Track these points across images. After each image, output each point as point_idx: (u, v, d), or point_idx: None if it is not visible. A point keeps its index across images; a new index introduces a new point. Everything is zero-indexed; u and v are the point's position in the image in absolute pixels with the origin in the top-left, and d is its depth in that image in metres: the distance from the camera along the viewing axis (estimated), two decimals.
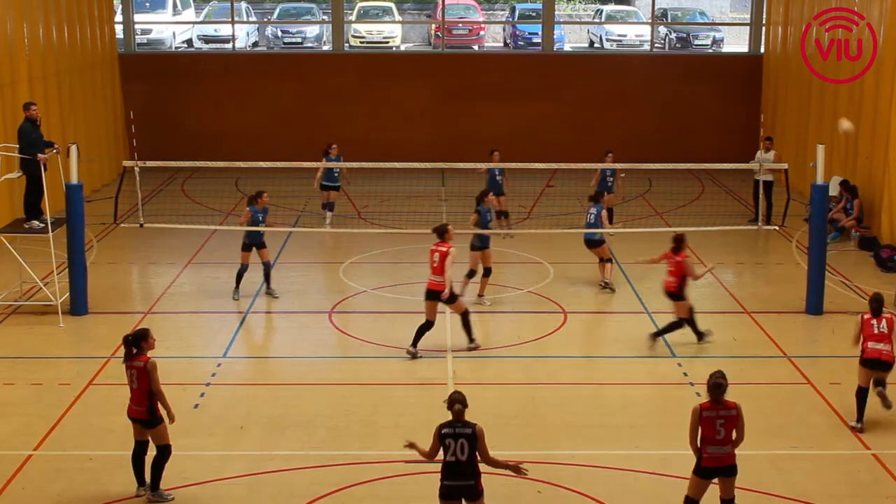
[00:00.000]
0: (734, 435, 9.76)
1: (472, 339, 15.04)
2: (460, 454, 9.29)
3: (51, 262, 16.76)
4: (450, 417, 9.40)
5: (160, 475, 10.76)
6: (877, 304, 12.49)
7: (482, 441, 9.33)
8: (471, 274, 17.17)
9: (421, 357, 14.72)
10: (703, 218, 22.20)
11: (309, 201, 23.82)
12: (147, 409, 10.65)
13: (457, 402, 9.44)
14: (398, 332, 15.85)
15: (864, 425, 12.50)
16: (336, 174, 21.34)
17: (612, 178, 21.15)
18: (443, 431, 9.36)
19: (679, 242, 15.11)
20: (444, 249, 14.58)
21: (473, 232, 17.09)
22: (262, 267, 17.38)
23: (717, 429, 9.63)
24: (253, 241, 17.27)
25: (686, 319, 15.04)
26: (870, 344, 12.31)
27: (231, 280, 18.26)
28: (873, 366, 12.33)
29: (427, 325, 14.73)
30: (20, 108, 17.25)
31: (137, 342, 10.75)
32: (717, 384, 9.72)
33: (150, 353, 10.82)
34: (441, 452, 9.40)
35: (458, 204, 22.92)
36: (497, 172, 20.75)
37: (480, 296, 17.22)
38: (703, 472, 9.77)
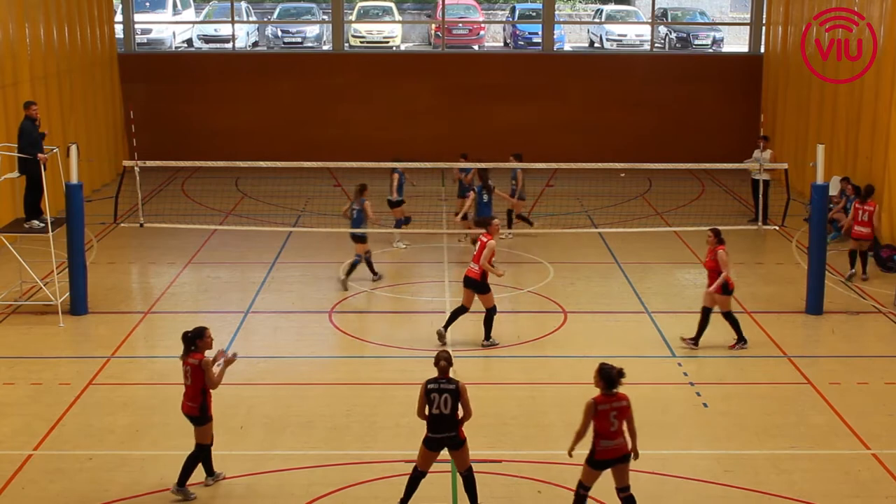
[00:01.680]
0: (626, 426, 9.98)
1: (488, 337, 15.18)
2: (444, 408, 10.18)
3: (51, 262, 16.77)
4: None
5: (191, 472, 10.84)
6: (866, 194, 18.59)
7: (465, 396, 10.25)
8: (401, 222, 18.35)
9: (450, 344, 14.81)
10: (703, 218, 22.19)
11: (309, 201, 23.84)
12: (199, 406, 10.80)
13: (442, 359, 10.29)
14: (398, 331, 15.85)
15: (854, 271, 18.38)
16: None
17: (514, 182, 20.76)
18: (429, 387, 10.23)
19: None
20: (485, 240, 14.97)
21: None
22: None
23: (610, 421, 9.77)
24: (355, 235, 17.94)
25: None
26: (854, 227, 18.39)
27: (232, 279, 18.34)
28: (856, 240, 18.39)
29: (461, 310, 15.14)
30: (22, 108, 17.25)
31: (194, 340, 10.84)
32: (618, 373, 9.88)
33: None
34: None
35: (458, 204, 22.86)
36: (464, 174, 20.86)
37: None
38: (597, 464, 9.95)
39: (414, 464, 10.54)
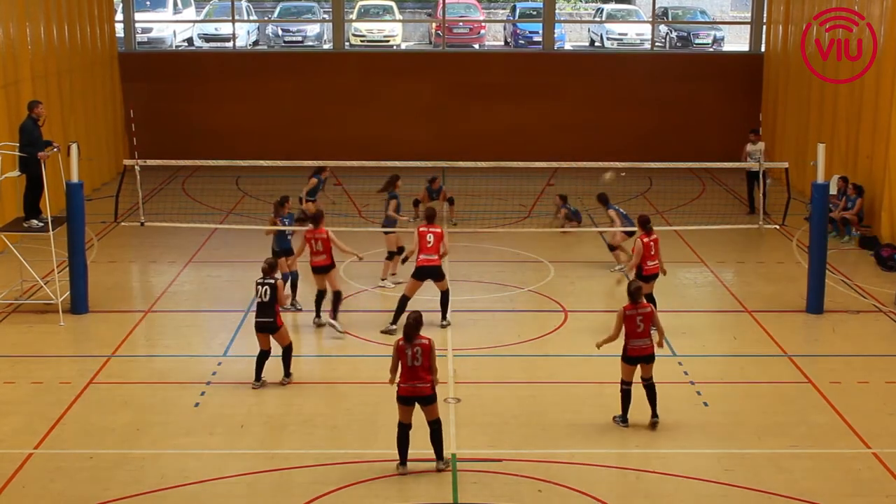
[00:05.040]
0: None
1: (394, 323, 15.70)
2: (265, 297, 13.44)
3: (51, 261, 16.77)
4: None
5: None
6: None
7: (281, 290, 13.54)
8: (394, 254, 18.01)
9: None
10: (704, 217, 22.21)
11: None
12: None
13: (266, 262, 13.63)
14: (399, 330, 15.83)
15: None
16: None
17: None
18: (257, 281, 13.49)
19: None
20: (439, 231, 15.53)
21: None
22: (290, 276, 17.01)
23: (410, 360, 11.19)
24: (283, 249, 16.93)
25: None
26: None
27: (232, 278, 18.31)
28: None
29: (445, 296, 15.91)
30: (23, 107, 17.23)
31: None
32: (413, 322, 11.41)
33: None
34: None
35: (459, 202, 22.87)
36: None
37: (390, 275, 18.10)
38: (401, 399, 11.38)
39: (415, 461, 10.54)
